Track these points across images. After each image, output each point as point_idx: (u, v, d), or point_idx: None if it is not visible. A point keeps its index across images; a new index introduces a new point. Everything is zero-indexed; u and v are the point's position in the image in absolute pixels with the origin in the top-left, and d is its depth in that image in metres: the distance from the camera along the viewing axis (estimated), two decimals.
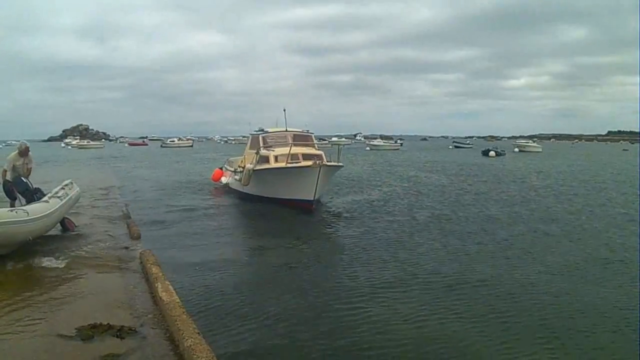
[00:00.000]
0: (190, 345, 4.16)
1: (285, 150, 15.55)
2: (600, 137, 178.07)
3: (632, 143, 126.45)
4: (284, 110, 18.66)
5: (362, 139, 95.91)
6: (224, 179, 19.38)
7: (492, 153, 50.02)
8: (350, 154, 52.29)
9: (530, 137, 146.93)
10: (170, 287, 5.90)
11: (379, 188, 20.84)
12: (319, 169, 13.68)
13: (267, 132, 17.97)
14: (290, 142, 15.91)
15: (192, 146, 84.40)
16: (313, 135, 18.55)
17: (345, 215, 13.92)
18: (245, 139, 25.80)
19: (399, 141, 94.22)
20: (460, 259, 9.01)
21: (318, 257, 9.15)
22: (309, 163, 14.39)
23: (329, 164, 14.77)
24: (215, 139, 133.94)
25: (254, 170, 15.37)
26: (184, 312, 4.89)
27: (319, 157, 15.78)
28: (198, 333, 4.45)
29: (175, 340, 4.57)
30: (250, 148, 18.17)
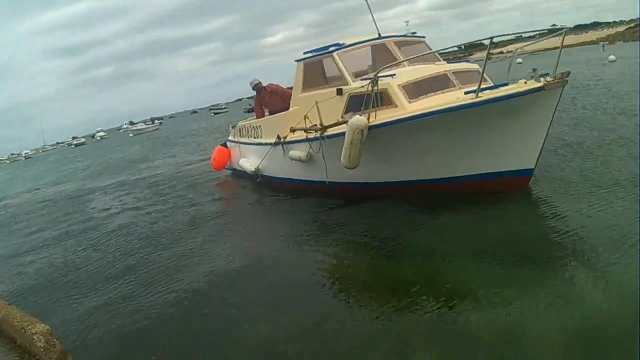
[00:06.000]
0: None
1: (417, 70, 8.03)
2: None
3: None
4: None
5: (127, 127, 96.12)
6: (243, 162, 11.44)
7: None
8: (115, 144, 53.91)
9: None
10: None
11: None
12: (562, 87, 6.13)
13: (342, 46, 8.94)
14: (400, 55, 8.63)
15: None
16: (425, 39, 9.86)
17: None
18: None
19: (156, 121, 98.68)
20: None
21: None
22: (531, 83, 6.21)
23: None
24: None
25: (370, 128, 7.18)
26: None
27: (476, 74, 7.75)
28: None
29: None
30: (305, 88, 9.34)
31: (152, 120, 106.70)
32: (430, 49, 9.33)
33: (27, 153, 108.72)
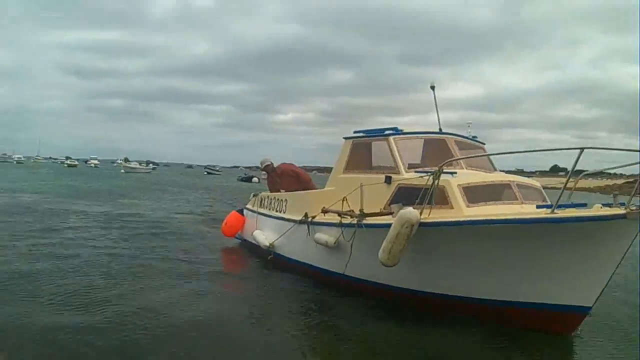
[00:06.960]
0: None
1: (478, 175, 7.40)
2: None
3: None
4: (433, 87, 9.15)
5: (122, 162, 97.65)
6: (257, 234, 10.16)
7: (255, 179, 52.26)
8: (106, 176, 55.12)
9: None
10: None
11: None
12: None
13: (400, 132, 8.21)
14: (456, 155, 7.82)
15: None
16: (485, 146, 9.17)
17: None
18: None
19: (151, 165, 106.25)
20: None
21: None
22: (608, 209, 5.45)
23: None
24: None
25: (421, 225, 6.08)
26: None
27: (538, 192, 7.57)
28: None
29: None
30: (348, 169, 8.53)
31: (147, 163, 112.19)
32: (489, 157, 8.69)
33: (20, 158, 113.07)
